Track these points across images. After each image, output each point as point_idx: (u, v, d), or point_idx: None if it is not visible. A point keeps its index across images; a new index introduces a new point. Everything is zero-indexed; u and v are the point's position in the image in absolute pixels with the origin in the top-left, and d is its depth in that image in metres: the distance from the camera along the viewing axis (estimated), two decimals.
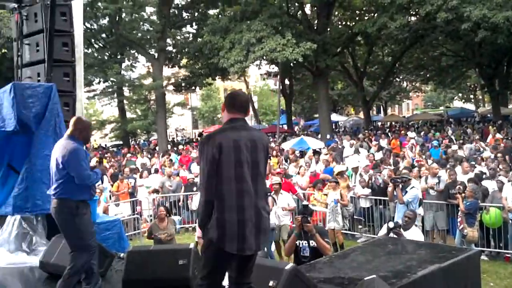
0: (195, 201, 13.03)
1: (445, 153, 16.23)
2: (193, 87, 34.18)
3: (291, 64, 29.74)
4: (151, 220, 13.67)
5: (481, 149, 16.82)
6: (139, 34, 30.42)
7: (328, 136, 26.56)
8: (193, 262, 5.02)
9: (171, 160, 19.21)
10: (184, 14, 31.61)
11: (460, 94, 60.17)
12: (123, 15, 30.27)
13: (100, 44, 31.42)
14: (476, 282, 5.02)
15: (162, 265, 5.19)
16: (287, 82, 39.28)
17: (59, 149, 4.84)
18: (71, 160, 4.74)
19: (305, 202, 6.61)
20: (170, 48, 32.46)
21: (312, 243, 5.81)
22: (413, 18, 27.00)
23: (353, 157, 16.29)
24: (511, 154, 14.75)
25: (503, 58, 30.57)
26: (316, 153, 17.13)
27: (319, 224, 10.09)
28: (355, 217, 12.15)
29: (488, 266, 9.07)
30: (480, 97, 60.01)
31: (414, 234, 6.97)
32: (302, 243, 5.90)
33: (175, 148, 26.93)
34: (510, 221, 9.55)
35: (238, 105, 3.52)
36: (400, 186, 9.59)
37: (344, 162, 15.69)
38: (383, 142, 21.31)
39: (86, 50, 29.74)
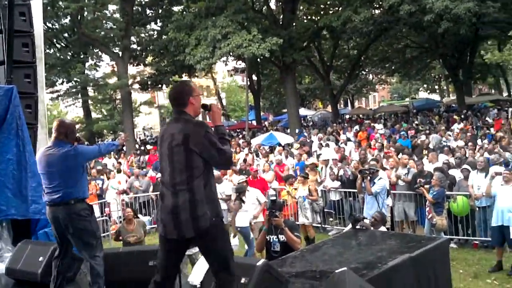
0: None
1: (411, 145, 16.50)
2: (160, 85, 33.77)
3: (258, 60, 29.76)
4: (120, 222, 13.47)
5: (447, 139, 17.14)
6: (102, 33, 29.92)
7: (297, 131, 26.69)
8: None
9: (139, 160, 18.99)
10: (148, 11, 31.23)
11: (425, 85, 61.33)
12: (85, 13, 29.71)
13: (62, 44, 30.82)
14: (446, 269, 5.09)
15: (132, 266, 5.11)
16: (254, 77, 39.29)
17: (55, 159, 4.71)
18: (84, 158, 4.88)
19: (273, 197, 6.57)
20: (134, 46, 32.02)
21: (282, 237, 5.79)
22: (377, 11, 27.31)
23: (324, 151, 16.39)
24: (476, 142, 15.11)
25: (466, 48, 31.26)
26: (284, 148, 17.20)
27: (291, 219, 10.11)
28: (325, 210, 12.24)
29: (457, 254, 9.25)
30: (445, 87, 61.27)
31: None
32: (272, 238, 5.89)
33: (143, 148, 26.66)
34: (477, 209, 9.75)
35: (169, 99, 3.76)
36: (368, 177, 9.66)
37: (313, 156, 15.79)
38: (350, 135, 21.54)
39: (48, 50, 29.17)
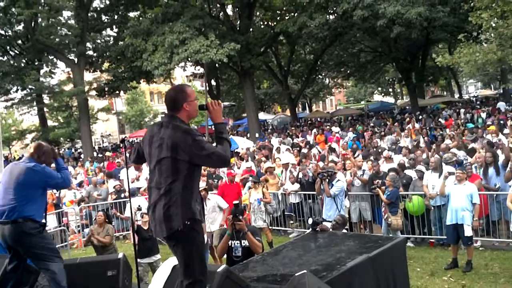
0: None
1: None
2: (117, 92, 33.26)
3: (216, 65, 29.74)
4: (79, 231, 13.22)
5: (401, 140, 17.57)
6: (57, 39, 29.26)
7: (257, 135, 26.81)
8: (123, 272, 4.90)
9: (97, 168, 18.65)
10: (104, 17, 30.72)
11: (379, 88, 62.77)
12: (39, 20, 29.04)
13: (16, 51, 29.95)
14: (403, 268, 5.21)
15: (90, 277, 5.04)
16: (213, 83, 39.18)
17: (18, 171, 4.73)
18: (46, 180, 4.80)
19: (235, 201, 6.59)
20: (90, 52, 31.45)
21: (244, 242, 5.82)
22: (331, 17, 27.79)
23: (283, 155, 16.50)
24: (430, 143, 15.55)
25: (418, 52, 32.17)
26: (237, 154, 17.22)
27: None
28: (286, 213, 12.36)
29: (414, 252, 9.49)
30: (398, 90, 62.82)
31: None
32: (235, 243, 5.90)
33: (100, 155, 26.22)
34: (432, 208, 10.03)
35: (165, 102, 3.75)
36: (327, 180, 9.81)
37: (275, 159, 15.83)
38: (310, 138, 21.80)
39: (1, 58, 28.41)
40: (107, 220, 9.13)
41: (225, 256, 6.18)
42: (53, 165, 5.10)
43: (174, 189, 3.49)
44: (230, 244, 5.93)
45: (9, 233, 4.61)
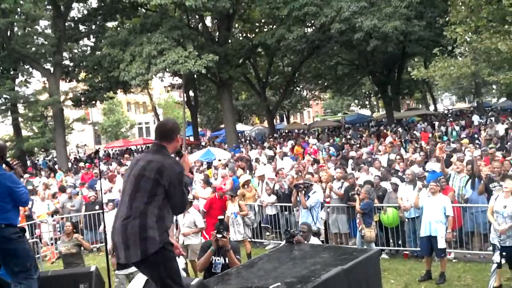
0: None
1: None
2: (94, 102, 32.90)
3: (195, 76, 29.72)
4: (52, 243, 12.99)
5: (377, 153, 17.74)
6: (33, 49, 28.85)
7: (234, 146, 26.81)
8: (95, 285, 4.84)
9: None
10: (81, 27, 30.45)
11: (356, 101, 63.51)
12: (15, 29, 28.66)
13: None
14: (377, 280, 5.24)
15: None
16: (191, 93, 39.19)
17: None
18: (12, 188, 4.70)
19: (220, 217, 6.55)
20: (67, 62, 31.07)
21: (226, 259, 5.79)
22: (309, 30, 28.10)
23: (259, 167, 16.51)
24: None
25: (394, 66, 32.70)
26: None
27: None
28: (262, 225, 12.34)
29: (389, 264, 9.57)
30: (375, 102, 63.62)
31: (312, 242, 7.13)
32: (216, 260, 5.84)
33: (75, 167, 25.88)
34: (406, 220, 10.13)
35: (158, 130, 3.89)
36: (303, 191, 9.85)
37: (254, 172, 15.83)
38: (287, 149, 21.88)
39: None
40: (74, 230, 9.21)
41: None
42: None
43: (150, 212, 3.51)
44: (211, 260, 5.86)
45: None
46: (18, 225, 4.83)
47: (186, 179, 3.76)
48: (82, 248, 9.19)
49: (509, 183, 8.06)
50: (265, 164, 17.15)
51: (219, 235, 5.75)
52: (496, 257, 7.35)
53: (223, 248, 5.79)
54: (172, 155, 3.77)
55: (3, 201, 4.63)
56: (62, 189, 15.42)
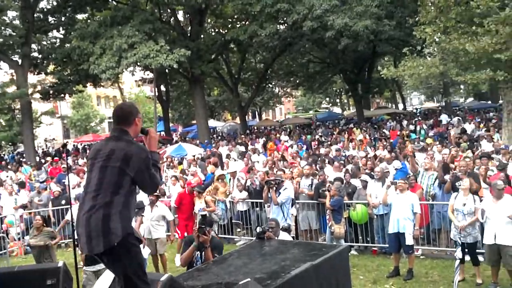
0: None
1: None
2: (62, 95, 32.31)
3: (166, 71, 29.47)
4: (19, 238, 12.73)
5: (346, 150, 17.96)
6: (0, 40, 28.15)
7: (206, 142, 26.72)
8: (63, 281, 4.76)
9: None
10: (50, 19, 29.80)
11: (327, 99, 64.02)
12: None
13: None
14: (346, 276, 5.27)
15: (29, 285, 4.86)
16: (163, 88, 38.84)
17: None
18: None
19: (203, 212, 6.51)
20: (35, 54, 30.39)
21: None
22: (282, 27, 28.18)
23: (231, 163, 16.51)
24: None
25: (364, 64, 33.09)
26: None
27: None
28: (233, 221, 12.35)
29: (358, 260, 9.67)
30: (346, 101, 64.27)
31: (283, 237, 7.18)
32: (197, 254, 5.85)
33: (43, 161, 25.39)
34: (375, 217, 10.28)
35: (114, 115, 3.72)
36: (274, 188, 9.89)
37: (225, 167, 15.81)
38: (258, 146, 21.93)
39: None
40: (44, 224, 9.19)
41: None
42: None
43: (115, 203, 3.42)
44: (193, 255, 5.86)
45: None
46: None
47: (155, 156, 3.67)
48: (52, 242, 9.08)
49: (466, 181, 8.32)
50: (235, 160, 17.17)
51: (200, 232, 5.73)
52: (458, 253, 7.57)
53: (203, 245, 5.79)
54: (133, 139, 3.62)
55: None
56: (22, 185, 15.06)
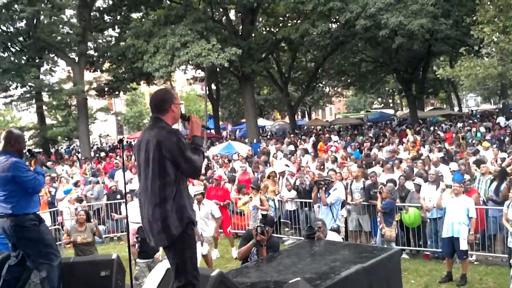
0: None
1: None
2: (117, 92, 33.28)
3: (217, 69, 29.75)
4: None
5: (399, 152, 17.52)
6: (59, 37, 29.23)
7: (255, 141, 26.81)
8: (116, 273, 4.87)
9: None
10: (106, 17, 30.73)
11: (379, 99, 62.90)
12: (41, 17, 29.03)
13: (17, 48, 29.92)
14: (397, 280, 5.19)
15: (83, 276, 5.01)
16: (213, 87, 39.27)
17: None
18: (16, 174, 4.62)
19: (264, 212, 6.59)
20: (91, 52, 31.41)
21: None
22: (334, 25, 27.87)
23: (281, 161, 16.47)
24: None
25: (419, 64, 32.26)
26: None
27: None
28: (281, 220, 12.31)
29: (409, 264, 9.44)
30: (398, 101, 62.94)
31: (332, 238, 7.09)
32: (254, 250, 5.99)
33: (97, 156, 26.15)
34: (428, 220, 10.00)
35: (150, 104, 3.72)
36: (324, 188, 9.77)
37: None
38: (308, 146, 21.79)
39: (2, 54, 28.37)
40: (88, 219, 9.22)
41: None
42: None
43: (167, 198, 3.47)
44: (252, 251, 6.02)
45: (7, 226, 4.64)
46: (37, 212, 4.82)
47: (197, 140, 3.64)
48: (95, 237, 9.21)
49: None
50: (281, 159, 17.10)
51: (259, 231, 5.86)
52: None
53: (259, 243, 5.91)
54: (169, 125, 3.60)
55: (10, 191, 4.64)
56: (76, 185, 15.44)
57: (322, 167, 13.75)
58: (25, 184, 4.65)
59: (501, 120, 27.90)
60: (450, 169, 11.64)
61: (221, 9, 30.17)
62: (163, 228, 3.47)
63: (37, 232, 4.70)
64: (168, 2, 28.33)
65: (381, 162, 13.69)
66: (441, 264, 9.28)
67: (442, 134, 23.22)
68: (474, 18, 18.19)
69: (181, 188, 3.54)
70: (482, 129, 23.82)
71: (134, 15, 30.63)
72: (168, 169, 3.46)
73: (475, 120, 30.54)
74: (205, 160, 17.75)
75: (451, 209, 8.47)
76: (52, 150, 35.33)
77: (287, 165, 14.56)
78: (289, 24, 30.55)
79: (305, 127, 41.58)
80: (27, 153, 5.13)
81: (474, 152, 14.26)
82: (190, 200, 3.67)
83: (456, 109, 51.27)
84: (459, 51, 20.81)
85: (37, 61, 29.62)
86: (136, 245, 7.88)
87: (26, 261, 4.88)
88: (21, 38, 29.68)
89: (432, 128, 26.92)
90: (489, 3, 17.01)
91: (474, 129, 23.93)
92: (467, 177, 10.67)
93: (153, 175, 3.49)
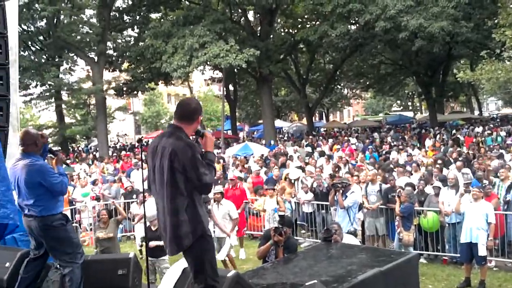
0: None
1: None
2: (135, 92, 33.55)
3: (235, 70, 29.82)
4: (91, 229, 13.24)
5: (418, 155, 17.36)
6: (78, 37, 29.61)
7: (272, 142, 26.78)
8: (133, 271, 4.89)
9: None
10: (125, 17, 31.02)
11: (398, 101, 62.37)
12: (62, 17, 29.44)
13: (37, 47, 30.37)
14: (415, 284, 5.13)
15: (101, 275, 5.04)
16: (231, 88, 39.33)
17: (21, 170, 4.70)
18: (44, 178, 4.66)
19: (281, 213, 6.62)
20: (110, 52, 31.74)
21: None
22: (353, 27, 27.72)
23: (295, 164, 16.39)
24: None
25: (439, 67, 31.93)
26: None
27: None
28: (298, 222, 12.26)
29: (427, 269, 9.32)
30: (418, 104, 62.34)
31: (349, 241, 7.03)
32: (273, 251, 6.02)
33: (115, 155, 26.36)
34: (447, 225, 9.87)
35: (177, 110, 3.70)
36: (341, 191, 9.71)
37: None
38: (325, 148, 21.69)
39: (22, 53, 28.70)
40: (109, 217, 9.35)
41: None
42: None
43: (179, 208, 3.46)
44: (269, 250, 6.07)
45: (35, 226, 4.69)
46: (62, 212, 4.87)
47: (210, 155, 3.60)
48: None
49: None
50: (296, 160, 17.02)
51: (277, 232, 5.89)
52: None
53: (277, 243, 5.94)
54: (187, 137, 3.57)
55: (38, 194, 4.67)
56: (94, 183, 15.55)
57: (337, 169, 13.69)
58: (52, 188, 4.68)
59: None
60: (467, 174, 11.46)
61: (239, 10, 30.22)
62: (175, 238, 3.49)
63: (64, 232, 4.75)
64: (187, 2, 28.50)
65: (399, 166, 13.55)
66: (459, 269, 9.13)
67: (462, 138, 22.94)
68: (496, 21, 17.95)
69: (194, 199, 3.52)
70: (503, 133, 23.48)
71: (153, 16, 30.86)
72: (178, 181, 3.45)
73: (496, 124, 30.07)
74: (221, 161, 17.80)
75: (470, 214, 8.34)
76: (70, 148, 35.70)
77: (300, 167, 14.52)
78: (307, 26, 30.47)
79: (323, 129, 41.40)
80: (49, 153, 5.15)
81: (499, 156, 14.08)
82: (204, 211, 3.65)
83: (476, 112, 50.61)
84: (480, 54, 20.53)
85: (56, 60, 30.02)
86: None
87: (46, 258, 4.93)
88: (41, 37, 30.13)
89: (453, 132, 26.63)
90: (511, 6, 16.78)
91: (494, 133, 23.60)
92: (485, 182, 10.52)
93: (166, 182, 3.48)
